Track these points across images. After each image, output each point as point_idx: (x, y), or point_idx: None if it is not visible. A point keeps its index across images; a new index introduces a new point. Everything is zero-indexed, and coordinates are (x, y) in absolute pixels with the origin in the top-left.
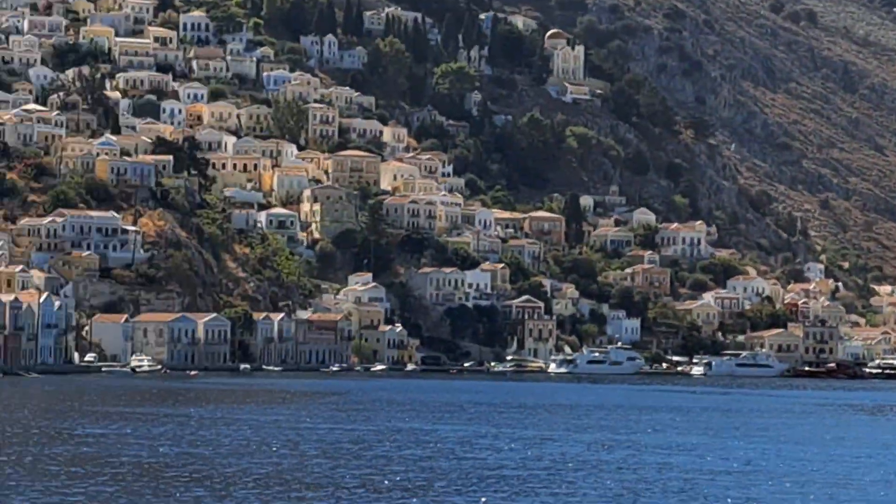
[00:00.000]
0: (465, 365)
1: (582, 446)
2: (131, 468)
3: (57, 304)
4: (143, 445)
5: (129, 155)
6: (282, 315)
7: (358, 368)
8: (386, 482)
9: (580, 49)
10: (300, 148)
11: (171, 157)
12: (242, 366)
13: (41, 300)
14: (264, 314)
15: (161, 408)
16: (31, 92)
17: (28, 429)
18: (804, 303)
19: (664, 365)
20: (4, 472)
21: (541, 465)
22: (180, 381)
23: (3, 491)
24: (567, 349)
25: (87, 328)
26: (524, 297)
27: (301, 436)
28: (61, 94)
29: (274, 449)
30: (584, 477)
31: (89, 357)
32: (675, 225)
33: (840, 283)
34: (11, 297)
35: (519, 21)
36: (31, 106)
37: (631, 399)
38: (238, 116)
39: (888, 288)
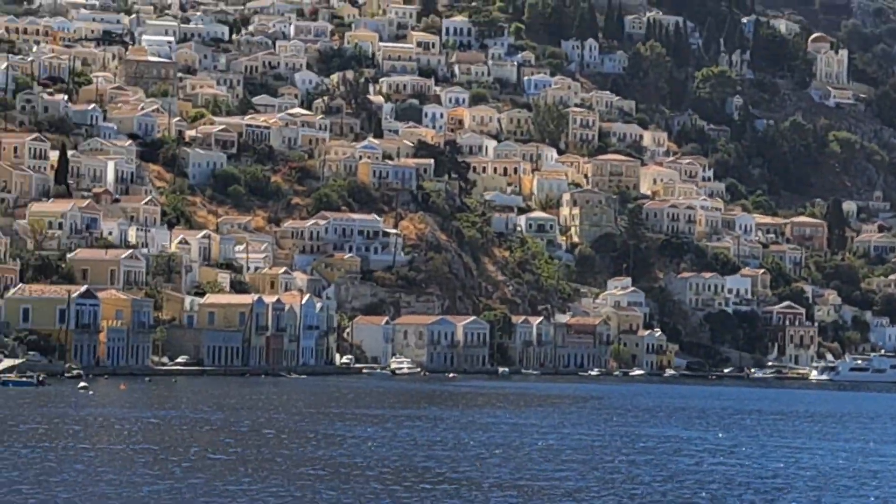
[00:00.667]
0: (725, 371)
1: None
2: (384, 470)
3: (319, 305)
4: (399, 447)
5: (390, 158)
6: (540, 319)
7: (616, 373)
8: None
9: (844, 53)
10: (560, 152)
11: (432, 161)
12: (501, 369)
13: (303, 302)
14: (523, 318)
15: (419, 410)
16: (296, 96)
17: (285, 430)
18: None
19: None
20: (260, 474)
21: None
22: (439, 383)
23: (258, 491)
24: (829, 356)
25: (348, 330)
26: (785, 304)
27: (561, 441)
28: (326, 98)
29: (529, 454)
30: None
31: (346, 359)
32: None
33: None
34: (274, 298)
35: (782, 25)
36: (297, 110)
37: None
38: (499, 120)
39: None
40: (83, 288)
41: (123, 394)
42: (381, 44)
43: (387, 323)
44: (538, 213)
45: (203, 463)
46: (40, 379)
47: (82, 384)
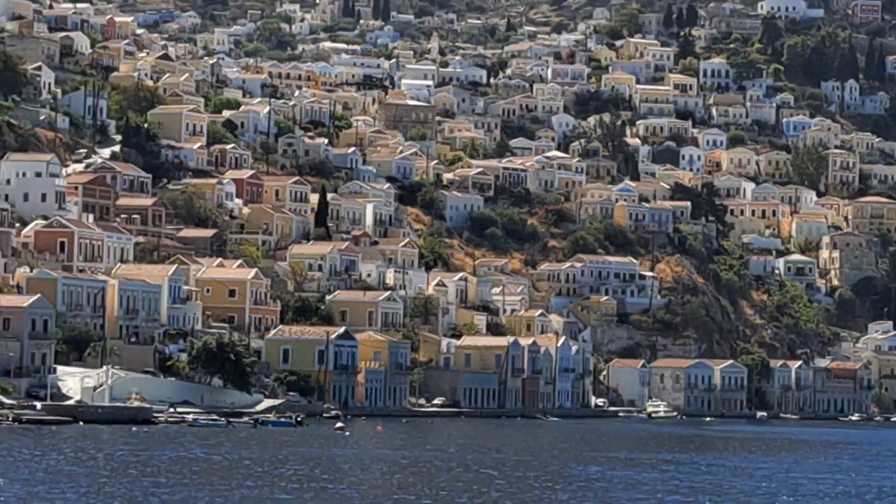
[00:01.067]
0: None
1: None
2: None
3: (574, 348)
4: (650, 491)
5: (647, 201)
6: (799, 363)
7: (878, 418)
8: None
9: None
10: (819, 194)
11: (688, 204)
12: (759, 413)
13: (559, 344)
14: (781, 362)
15: (673, 454)
16: (553, 139)
17: (540, 472)
18: None
19: None
20: None
21: None
22: (695, 427)
23: None
24: None
25: (604, 373)
26: None
27: (817, 485)
28: (582, 141)
29: (786, 499)
30: None
31: (601, 401)
32: None
33: None
34: (530, 340)
35: None
36: (553, 153)
37: None
38: (757, 162)
39: None
40: (342, 329)
41: (380, 435)
42: (637, 86)
43: (643, 366)
44: (797, 256)
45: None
46: (298, 419)
47: (339, 425)
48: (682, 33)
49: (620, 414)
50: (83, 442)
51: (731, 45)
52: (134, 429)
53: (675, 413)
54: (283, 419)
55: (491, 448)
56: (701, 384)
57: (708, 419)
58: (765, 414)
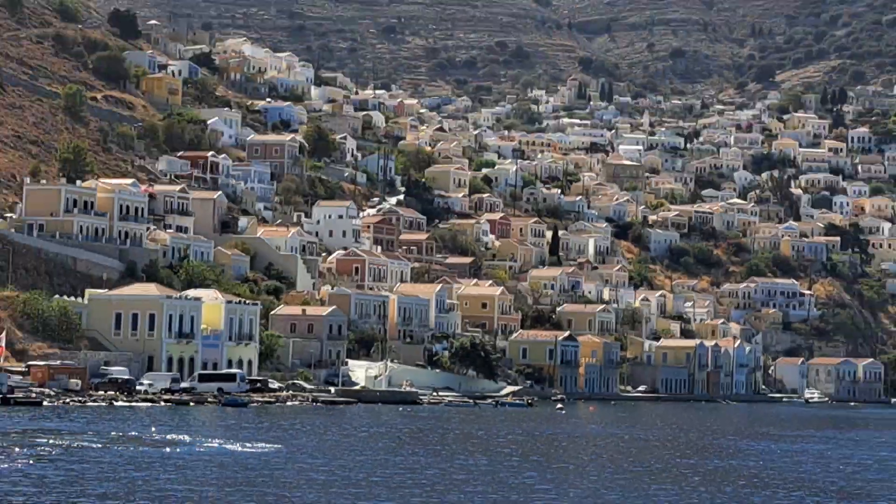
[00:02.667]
0: None
1: None
2: (783, 482)
3: (748, 348)
4: (804, 462)
5: (806, 237)
6: None
7: None
8: None
9: None
10: None
11: (839, 239)
12: (893, 399)
13: (735, 346)
14: None
15: (824, 432)
16: (734, 190)
17: (722, 448)
18: None
19: None
20: (704, 483)
21: None
22: (843, 409)
23: (646, 490)
24: None
25: (771, 368)
26: None
27: None
28: (757, 191)
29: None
30: None
31: (763, 388)
32: None
33: None
34: (713, 343)
35: None
36: (734, 200)
37: None
38: (893, 208)
39: None
40: (566, 333)
41: (591, 414)
42: (800, 149)
43: (802, 363)
44: None
45: (654, 473)
46: (529, 402)
47: (559, 406)
48: (835, 109)
49: (784, 399)
50: (365, 419)
51: (873, 118)
52: (400, 408)
53: (826, 399)
54: (517, 401)
55: (679, 425)
56: (847, 377)
57: (852, 404)
58: None
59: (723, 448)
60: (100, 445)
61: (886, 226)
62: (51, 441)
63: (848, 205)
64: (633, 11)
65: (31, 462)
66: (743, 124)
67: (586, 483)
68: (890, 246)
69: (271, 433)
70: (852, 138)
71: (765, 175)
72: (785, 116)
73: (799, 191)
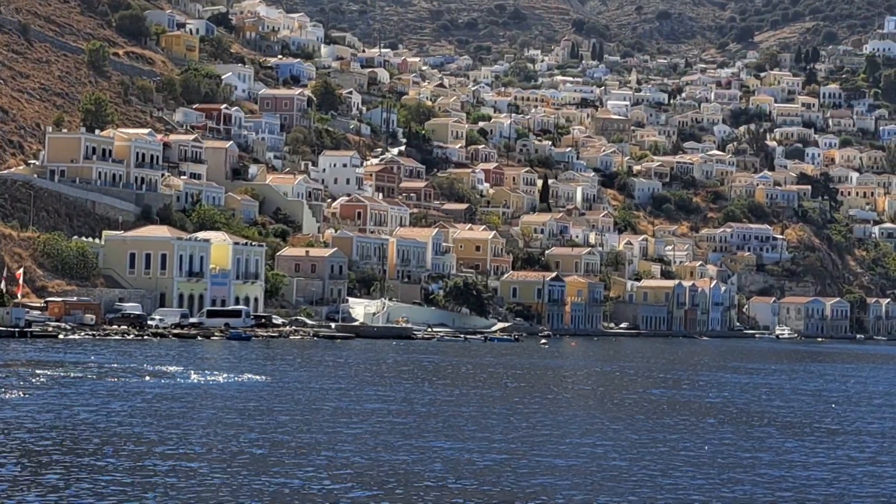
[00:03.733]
0: None
1: None
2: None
3: (723, 288)
4: (773, 394)
5: (779, 185)
6: (888, 300)
7: None
8: None
9: None
10: None
11: (809, 187)
12: (858, 336)
13: (711, 286)
14: (875, 299)
15: (792, 365)
16: (714, 142)
17: (694, 381)
18: None
19: None
20: (672, 413)
21: None
22: (810, 345)
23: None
24: None
25: (745, 306)
26: None
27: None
28: (735, 143)
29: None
30: None
31: (738, 325)
32: None
33: None
34: (690, 283)
35: None
36: (713, 152)
37: None
38: (860, 159)
39: None
40: (553, 274)
41: (572, 349)
42: (775, 104)
43: (774, 302)
44: (889, 225)
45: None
46: (516, 337)
47: (543, 341)
48: (808, 67)
49: (756, 335)
50: (363, 352)
51: (843, 76)
52: (394, 343)
53: (795, 335)
54: (505, 336)
55: (651, 359)
56: (816, 315)
57: (819, 340)
58: (862, 336)
59: (681, 379)
60: (94, 377)
61: (854, 175)
62: (47, 372)
63: (819, 156)
64: None
65: (21, 394)
66: (722, 81)
67: (536, 406)
68: (857, 194)
69: (262, 365)
70: (824, 94)
71: (742, 128)
72: (761, 74)
73: (774, 143)
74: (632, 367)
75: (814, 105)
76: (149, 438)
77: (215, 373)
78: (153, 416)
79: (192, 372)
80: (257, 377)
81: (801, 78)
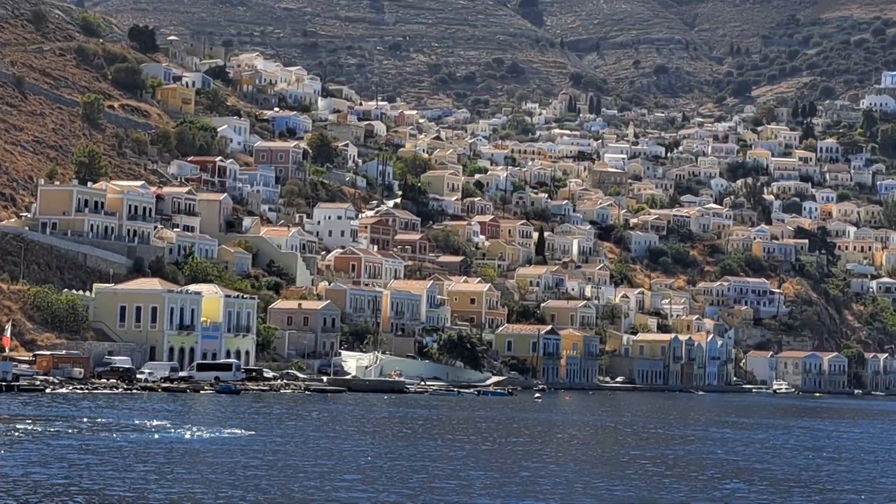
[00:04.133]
0: None
1: None
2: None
3: (720, 342)
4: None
5: (776, 239)
6: (886, 355)
7: None
8: None
9: None
10: None
11: (807, 241)
12: (856, 391)
13: (708, 340)
14: (873, 354)
15: (790, 420)
16: (711, 196)
17: (648, 435)
18: None
19: None
20: (659, 468)
21: None
22: (808, 400)
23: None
24: None
25: (742, 361)
26: None
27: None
28: (732, 197)
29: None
30: None
31: (735, 379)
32: None
33: None
34: (687, 337)
35: None
36: (710, 205)
37: None
38: (858, 213)
39: None
40: (549, 327)
41: (565, 403)
42: (773, 158)
43: (772, 356)
44: (886, 279)
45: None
46: (510, 391)
47: (536, 395)
48: (805, 121)
49: (753, 390)
50: (351, 405)
51: (841, 130)
52: (385, 396)
53: (793, 390)
54: (499, 390)
55: (640, 413)
56: (814, 370)
57: (817, 395)
58: (860, 391)
59: (668, 435)
60: (75, 431)
61: (852, 229)
62: (27, 426)
63: (816, 210)
64: (620, 31)
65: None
66: (720, 135)
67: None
68: (855, 248)
69: (245, 420)
70: (821, 148)
71: (739, 182)
72: (759, 128)
73: (771, 197)
74: (617, 420)
75: (811, 159)
76: (111, 494)
77: (197, 428)
78: (119, 471)
79: (173, 427)
80: (239, 432)
81: (798, 132)
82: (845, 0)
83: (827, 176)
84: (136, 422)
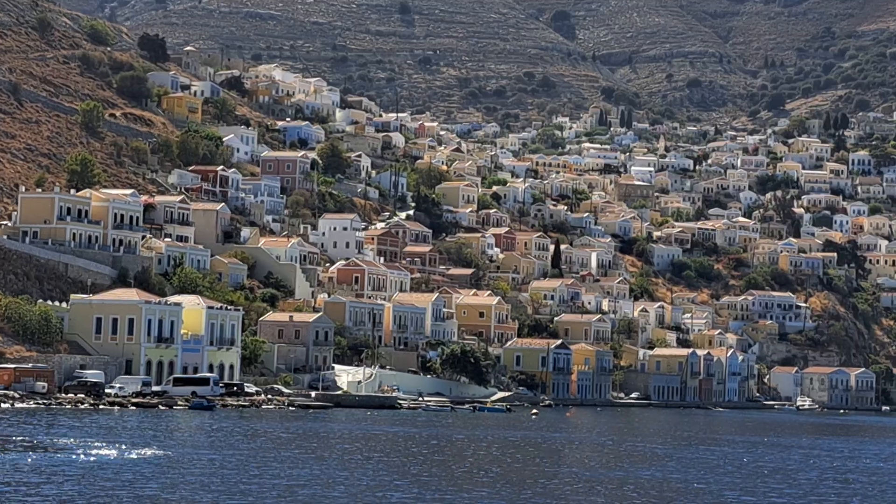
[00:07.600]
0: None
1: None
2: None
3: (741, 357)
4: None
5: (804, 252)
6: None
7: None
8: None
9: None
10: None
11: (835, 255)
12: (884, 407)
13: (728, 355)
14: None
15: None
16: (739, 209)
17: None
18: None
19: None
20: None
21: None
22: (831, 417)
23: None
24: None
25: (767, 376)
26: None
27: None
28: (761, 210)
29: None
30: None
31: (757, 395)
32: None
33: None
34: (706, 352)
35: None
36: (737, 218)
37: None
38: (890, 226)
39: None
40: (559, 341)
41: (564, 419)
42: (803, 171)
43: (797, 372)
44: None
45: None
46: (508, 407)
47: (534, 411)
48: (837, 134)
49: (775, 407)
50: (323, 423)
51: (873, 142)
52: (368, 413)
53: (816, 406)
54: (496, 406)
55: (642, 429)
56: (840, 386)
57: (842, 411)
58: (888, 408)
59: (658, 454)
60: None
61: (884, 243)
62: None
63: (847, 223)
64: (653, 45)
65: None
66: (750, 147)
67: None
68: (886, 262)
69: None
70: (853, 161)
71: (769, 195)
72: (789, 140)
73: (801, 210)
74: (614, 438)
75: (842, 172)
76: None
77: (109, 447)
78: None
79: (79, 447)
80: (150, 452)
81: (829, 145)
82: (881, 13)
83: (859, 189)
84: (41, 440)
